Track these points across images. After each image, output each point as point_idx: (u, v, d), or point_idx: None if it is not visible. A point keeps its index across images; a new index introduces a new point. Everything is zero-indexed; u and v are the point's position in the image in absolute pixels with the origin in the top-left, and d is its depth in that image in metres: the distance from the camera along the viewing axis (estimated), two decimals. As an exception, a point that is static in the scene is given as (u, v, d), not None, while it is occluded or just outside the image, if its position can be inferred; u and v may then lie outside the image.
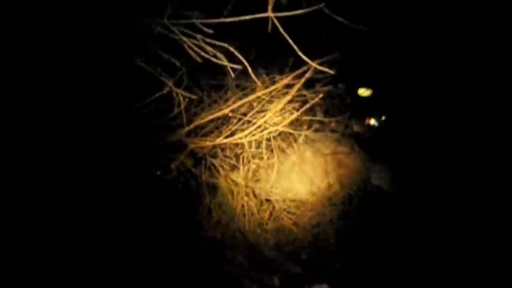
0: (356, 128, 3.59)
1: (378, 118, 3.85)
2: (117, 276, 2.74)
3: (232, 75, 2.79)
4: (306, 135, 3.54)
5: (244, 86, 3.21)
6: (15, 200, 2.59)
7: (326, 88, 3.24)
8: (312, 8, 2.59)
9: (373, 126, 3.84)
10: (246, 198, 3.50)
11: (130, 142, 2.96)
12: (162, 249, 3.00)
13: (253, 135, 3.14)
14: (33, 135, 2.67)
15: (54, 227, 2.70)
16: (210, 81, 3.26)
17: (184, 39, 2.71)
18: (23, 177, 2.64)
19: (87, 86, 2.82)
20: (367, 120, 3.87)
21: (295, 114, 3.10)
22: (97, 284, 2.66)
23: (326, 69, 2.81)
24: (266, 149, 3.38)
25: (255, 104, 3.13)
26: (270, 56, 3.39)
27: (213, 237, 3.44)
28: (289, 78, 3.08)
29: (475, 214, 3.47)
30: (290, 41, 2.65)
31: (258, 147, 3.40)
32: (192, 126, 3.09)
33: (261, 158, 3.53)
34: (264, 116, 3.11)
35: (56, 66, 2.66)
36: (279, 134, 3.50)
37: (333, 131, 3.60)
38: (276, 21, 2.58)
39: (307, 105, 3.09)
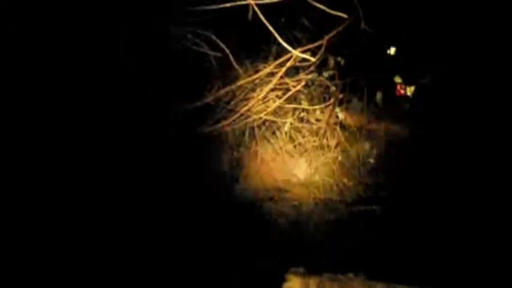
0: (341, 115, 3.60)
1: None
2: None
3: (214, 62, 2.82)
4: (290, 124, 3.55)
5: (227, 74, 3.21)
6: (16, 198, 2.63)
7: (309, 76, 3.26)
8: (293, -5, 2.60)
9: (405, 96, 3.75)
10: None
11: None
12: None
13: (236, 123, 3.17)
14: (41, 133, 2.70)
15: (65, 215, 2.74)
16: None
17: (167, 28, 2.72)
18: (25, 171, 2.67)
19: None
20: (398, 90, 3.73)
21: (277, 102, 3.12)
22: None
23: (307, 57, 2.83)
24: (249, 137, 3.41)
25: (237, 93, 3.14)
26: (254, 44, 3.39)
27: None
28: (272, 66, 3.10)
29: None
30: (271, 28, 2.66)
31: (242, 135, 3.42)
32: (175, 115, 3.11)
33: (246, 147, 3.56)
34: (246, 104, 3.13)
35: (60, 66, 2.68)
36: (264, 122, 3.52)
37: (317, 119, 3.61)
38: (256, 8, 2.58)
39: (289, 93, 3.12)
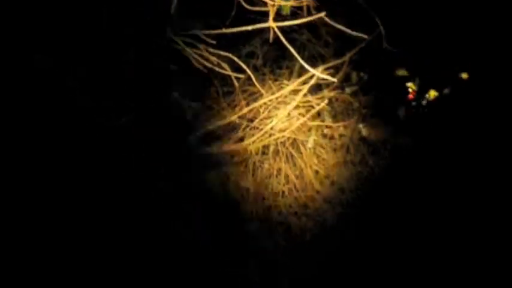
0: (364, 132, 3.60)
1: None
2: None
3: (236, 83, 2.87)
4: (314, 140, 3.57)
5: (251, 92, 3.26)
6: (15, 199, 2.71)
7: (332, 94, 3.28)
8: (313, 17, 2.62)
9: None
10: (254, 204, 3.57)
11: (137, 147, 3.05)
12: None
13: (261, 141, 3.21)
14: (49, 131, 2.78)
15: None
16: (218, 89, 3.33)
17: (188, 50, 2.79)
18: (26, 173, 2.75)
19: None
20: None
21: (301, 120, 3.15)
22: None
23: (328, 77, 2.84)
24: (274, 155, 3.45)
25: (261, 110, 3.19)
26: (277, 62, 3.44)
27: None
28: (296, 84, 3.13)
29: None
30: (292, 50, 2.69)
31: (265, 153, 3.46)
32: (199, 133, 3.19)
33: (270, 164, 3.60)
34: (270, 122, 3.18)
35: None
36: (288, 139, 3.56)
37: (341, 135, 3.62)
38: (277, 31, 2.62)
39: (313, 111, 3.14)
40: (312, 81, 2.99)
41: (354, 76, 3.54)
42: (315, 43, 3.40)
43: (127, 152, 3.02)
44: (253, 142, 3.17)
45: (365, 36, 2.69)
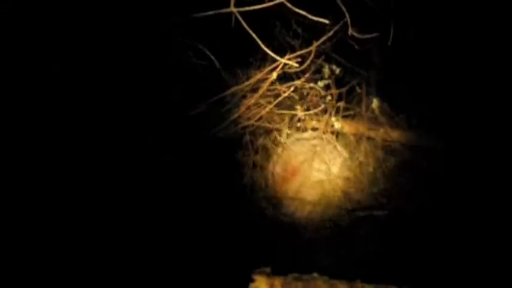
0: (337, 125, 3.58)
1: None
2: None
3: (201, 71, 2.89)
4: (287, 133, 3.57)
5: (218, 82, 3.28)
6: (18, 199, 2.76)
7: (299, 82, 3.28)
8: (273, 2, 2.64)
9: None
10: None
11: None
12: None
13: (229, 130, 3.23)
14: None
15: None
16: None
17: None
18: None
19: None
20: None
21: (268, 108, 3.16)
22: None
23: (293, 63, 2.86)
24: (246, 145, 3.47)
25: (229, 100, 3.20)
26: (245, 52, 3.47)
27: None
28: (263, 73, 3.15)
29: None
30: (255, 36, 2.71)
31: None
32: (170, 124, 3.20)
33: (244, 156, 3.60)
34: (238, 110, 3.19)
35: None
36: (266, 132, 3.57)
37: (314, 128, 3.62)
38: (238, 16, 2.64)
39: (280, 98, 3.15)
40: (278, 69, 3.01)
41: (326, 69, 3.54)
42: (285, 34, 3.41)
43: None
44: (221, 130, 3.17)
45: (326, 21, 2.71)
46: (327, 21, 2.72)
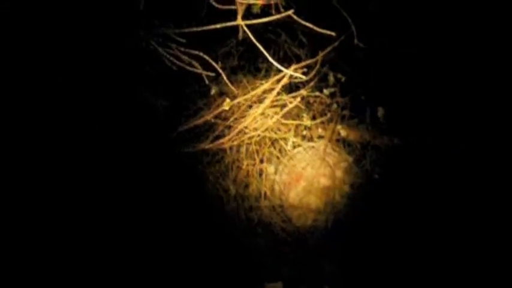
0: (343, 133, 3.60)
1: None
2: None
3: (207, 82, 2.90)
4: (293, 142, 3.59)
5: (226, 92, 3.30)
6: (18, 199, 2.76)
7: (305, 92, 3.30)
8: (281, 15, 2.65)
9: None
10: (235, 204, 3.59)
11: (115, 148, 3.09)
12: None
13: (234, 140, 3.25)
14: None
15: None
16: (195, 89, 3.37)
17: (161, 50, 2.83)
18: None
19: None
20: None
21: (275, 118, 3.18)
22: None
23: (299, 75, 2.87)
24: (251, 154, 3.48)
25: (235, 110, 3.22)
26: (253, 62, 3.49)
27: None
28: (269, 83, 3.16)
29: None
30: (261, 47, 2.72)
31: (241, 152, 3.48)
32: (175, 133, 3.22)
33: (253, 164, 3.62)
34: (244, 121, 3.21)
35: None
36: (268, 140, 3.59)
37: (320, 136, 3.64)
38: (246, 29, 2.65)
39: (286, 109, 3.17)
40: (285, 80, 3.02)
41: (331, 78, 3.56)
42: (290, 44, 3.44)
43: (100, 154, 3.06)
44: (229, 140, 3.19)
45: (332, 34, 2.72)
46: (333, 34, 2.73)
